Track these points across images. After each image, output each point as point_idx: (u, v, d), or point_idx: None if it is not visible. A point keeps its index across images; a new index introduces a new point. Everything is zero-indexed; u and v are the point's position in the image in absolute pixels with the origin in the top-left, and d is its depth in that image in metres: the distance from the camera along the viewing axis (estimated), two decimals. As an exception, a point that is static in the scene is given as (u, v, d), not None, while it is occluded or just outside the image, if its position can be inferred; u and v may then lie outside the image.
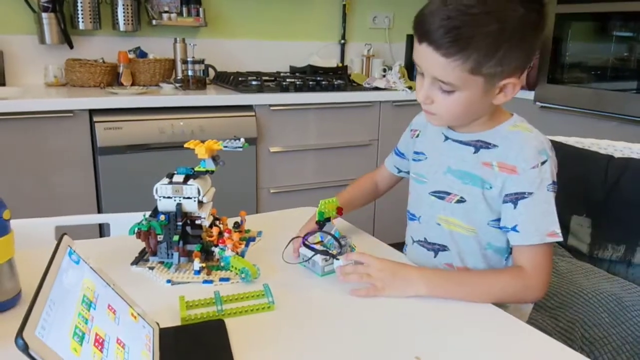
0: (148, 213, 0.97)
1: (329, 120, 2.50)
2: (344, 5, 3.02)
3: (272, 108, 2.34)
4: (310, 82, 2.47)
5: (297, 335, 0.77)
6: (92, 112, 2.05)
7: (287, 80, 2.47)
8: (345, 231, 1.10)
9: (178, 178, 0.96)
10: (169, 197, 0.95)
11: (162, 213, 0.96)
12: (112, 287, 0.69)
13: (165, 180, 0.96)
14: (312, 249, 0.96)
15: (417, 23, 0.85)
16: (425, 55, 0.84)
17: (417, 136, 1.08)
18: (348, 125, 2.55)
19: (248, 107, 2.30)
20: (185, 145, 0.98)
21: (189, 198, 0.95)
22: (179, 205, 0.95)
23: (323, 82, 2.50)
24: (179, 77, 2.50)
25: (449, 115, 0.90)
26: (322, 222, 1.01)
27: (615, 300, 1.18)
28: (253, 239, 1.09)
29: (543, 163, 0.88)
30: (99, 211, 2.15)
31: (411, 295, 0.88)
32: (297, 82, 2.45)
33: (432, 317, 0.83)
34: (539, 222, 0.88)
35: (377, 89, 2.63)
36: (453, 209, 0.97)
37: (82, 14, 2.36)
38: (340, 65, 3.00)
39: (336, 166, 2.57)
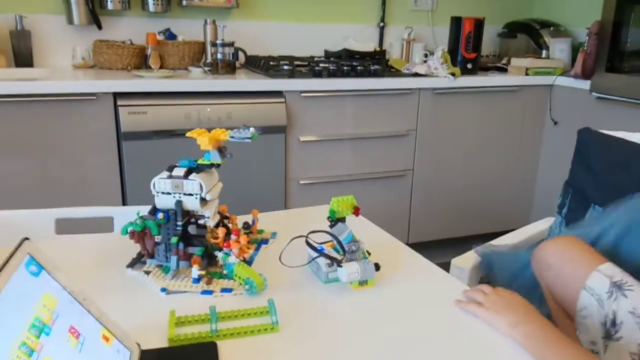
0: (144, 210, 0.86)
1: (364, 108, 2.35)
2: (384, -14, 2.85)
3: (302, 94, 2.21)
4: (345, 67, 2.32)
5: (302, 365, 0.65)
6: (116, 96, 1.98)
7: (320, 65, 2.32)
8: (363, 231, 0.96)
9: (179, 171, 0.85)
10: (168, 193, 0.84)
11: (161, 211, 0.84)
12: (80, 303, 0.58)
13: (165, 173, 0.85)
14: (319, 251, 0.83)
15: None
16: None
17: None
18: (384, 113, 2.39)
19: (278, 93, 2.17)
20: (188, 134, 0.86)
21: (190, 195, 0.84)
22: (178, 202, 0.84)
23: (358, 68, 2.34)
24: (208, 61, 2.40)
25: None
26: (334, 222, 0.88)
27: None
28: (266, 242, 0.97)
29: None
30: (123, 199, 2.08)
31: (504, 335, 0.74)
32: (331, 67, 2.30)
33: (452, 340, 0.70)
34: None
35: (417, 75, 2.46)
36: None
37: (110, -6, 2.28)
38: (378, 49, 2.83)
39: (370, 157, 2.42)
